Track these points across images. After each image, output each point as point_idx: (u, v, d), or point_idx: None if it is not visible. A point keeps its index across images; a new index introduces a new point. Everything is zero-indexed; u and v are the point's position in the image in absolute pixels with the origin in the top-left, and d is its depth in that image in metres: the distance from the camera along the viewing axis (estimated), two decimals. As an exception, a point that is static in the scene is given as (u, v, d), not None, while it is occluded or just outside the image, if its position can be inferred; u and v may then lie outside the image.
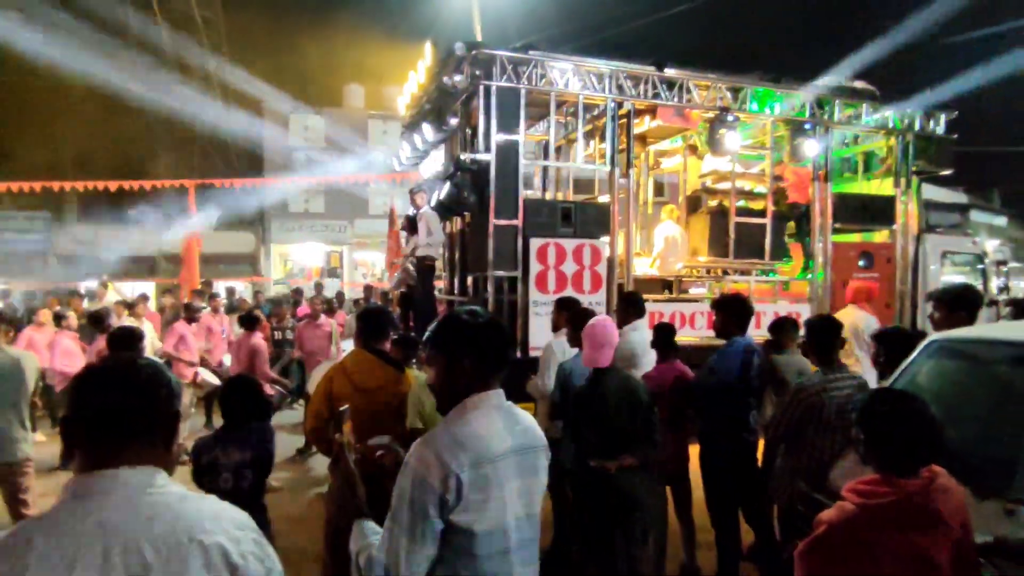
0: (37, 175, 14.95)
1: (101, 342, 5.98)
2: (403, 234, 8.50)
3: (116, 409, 1.19)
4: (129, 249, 19.12)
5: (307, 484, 6.13)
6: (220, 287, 13.14)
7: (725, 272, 8.07)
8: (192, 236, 13.49)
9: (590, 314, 3.74)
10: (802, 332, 4.28)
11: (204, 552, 1.12)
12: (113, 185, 14.62)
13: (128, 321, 7.34)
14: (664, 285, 7.88)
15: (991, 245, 19.39)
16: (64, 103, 17.85)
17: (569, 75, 6.88)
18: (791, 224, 8.39)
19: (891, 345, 3.22)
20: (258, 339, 6.74)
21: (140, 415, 1.20)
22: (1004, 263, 10.37)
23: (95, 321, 6.49)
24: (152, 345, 7.12)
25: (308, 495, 5.76)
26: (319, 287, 13.42)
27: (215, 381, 7.07)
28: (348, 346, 5.50)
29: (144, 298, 9.59)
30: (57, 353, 6.96)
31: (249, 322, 6.98)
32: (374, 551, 1.53)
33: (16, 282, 14.61)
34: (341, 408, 1.83)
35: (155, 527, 1.11)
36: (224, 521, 1.19)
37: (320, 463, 6.33)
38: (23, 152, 18.11)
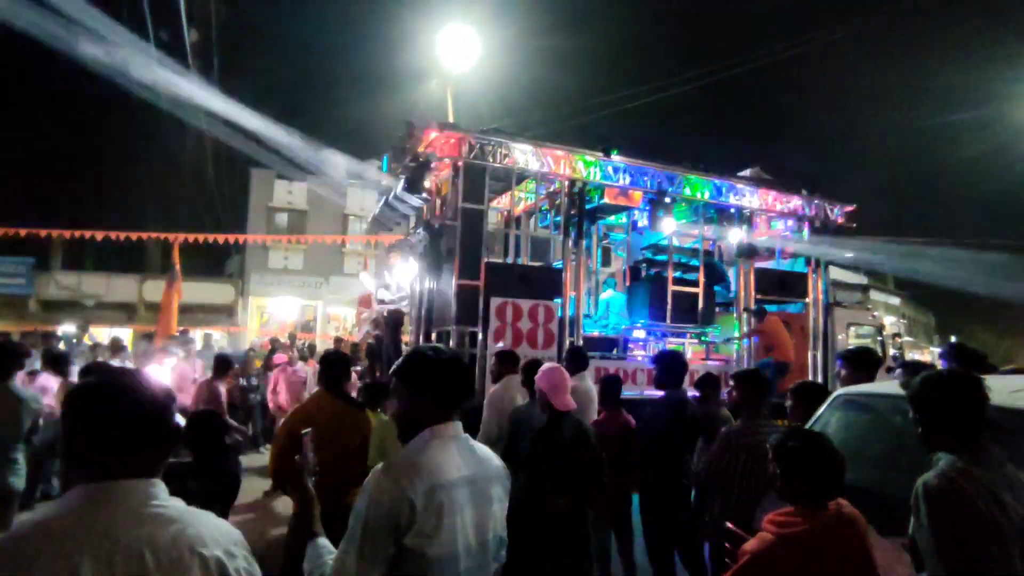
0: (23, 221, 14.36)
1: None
2: (373, 292, 8.46)
3: (125, 422, 1.14)
4: (111, 296, 18.30)
5: (270, 523, 5.74)
6: (197, 335, 12.63)
7: (663, 334, 8.24)
8: (172, 285, 13.02)
9: (539, 363, 3.73)
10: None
11: (204, 565, 1.09)
12: (99, 234, 14.15)
13: (114, 362, 6.95)
14: (610, 344, 7.98)
15: (888, 320, 20.48)
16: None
17: (529, 155, 7.15)
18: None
19: (804, 398, 3.32)
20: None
21: (146, 429, 1.17)
22: (899, 335, 10.96)
23: (54, 362, 6.09)
24: None
25: (269, 534, 5.38)
26: (292, 338, 13.08)
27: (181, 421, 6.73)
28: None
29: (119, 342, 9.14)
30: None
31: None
32: (327, 570, 1.46)
33: (-7, 324, 13.72)
34: (303, 431, 1.76)
35: (158, 537, 1.08)
36: (223, 537, 1.16)
37: (284, 505, 5.97)
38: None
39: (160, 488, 1.16)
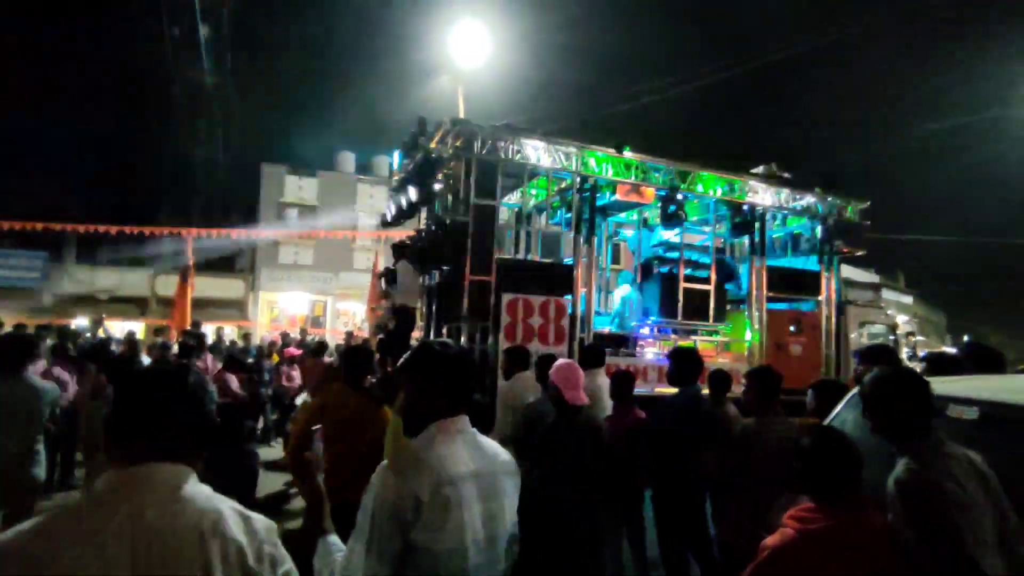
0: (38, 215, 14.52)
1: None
2: (382, 284, 8.49)
3: (160, 410, 1.18)
4: (123, 290, 18.48)
5: (283, 518, 5.78)
6: (208, 329, 12.75)
7: (674, 331, 8.21)
8: (185, 280, 13.14)
9: (553, 358, 3.74)
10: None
11: (223, 547, 1.11)
12: (114, 229, 14.30)
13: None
14: (620, 341, 7.95)
15: (901, 319, 20.31)
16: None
17: (541, 151, 7.13)
18: None
19: (823, 395, 3.29)
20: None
21: (181, 418, 1.20)
22: (913, 334, 10.89)
23: (93, 355, 6.20)
24: None
25: (282, 528, 5.42)
26: (304, 333, 13.20)
27: None
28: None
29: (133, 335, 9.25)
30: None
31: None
32: (336, 568, 1.46)
33: (7, 316, 13.86)
34: (312, 428, 1.78)
35: (180, 520, 1.10)
36: (248, 523, 1.17)
37: (297, 499, 6.01)
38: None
39: (189, 475, 1.18)
